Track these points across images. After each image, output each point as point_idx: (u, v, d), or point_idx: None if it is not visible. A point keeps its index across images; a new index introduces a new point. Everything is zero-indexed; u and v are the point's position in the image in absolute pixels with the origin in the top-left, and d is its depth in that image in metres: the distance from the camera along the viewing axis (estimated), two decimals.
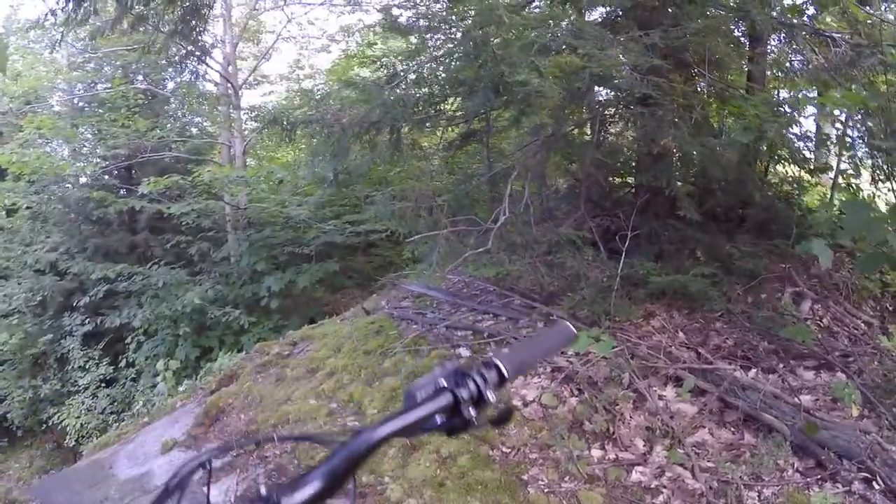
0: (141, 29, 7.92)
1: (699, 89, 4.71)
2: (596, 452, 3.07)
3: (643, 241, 4.52)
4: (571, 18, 4.41)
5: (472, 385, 0.72)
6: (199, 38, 9.26)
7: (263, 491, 0.58)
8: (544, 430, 3.21)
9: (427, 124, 5.16)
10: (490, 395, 0.72)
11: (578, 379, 3.50)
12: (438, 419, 0.71)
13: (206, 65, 10.18)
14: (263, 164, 9.89)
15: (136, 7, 7.61)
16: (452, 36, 4.56)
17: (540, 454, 3.08)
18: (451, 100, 5.00)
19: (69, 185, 10.27)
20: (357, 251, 9.07)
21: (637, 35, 3.76)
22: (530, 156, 4.77)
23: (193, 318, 8.18)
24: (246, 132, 10.15)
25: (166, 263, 8.60)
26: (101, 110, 10.56)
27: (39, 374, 9.94)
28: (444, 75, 4.76)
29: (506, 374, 0.76)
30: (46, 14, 6.29)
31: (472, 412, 0.71)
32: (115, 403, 9.01)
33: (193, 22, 7.66)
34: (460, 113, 5.11)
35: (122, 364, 8.80)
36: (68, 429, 9.07)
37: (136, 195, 8.62)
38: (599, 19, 4.96)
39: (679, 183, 4.59)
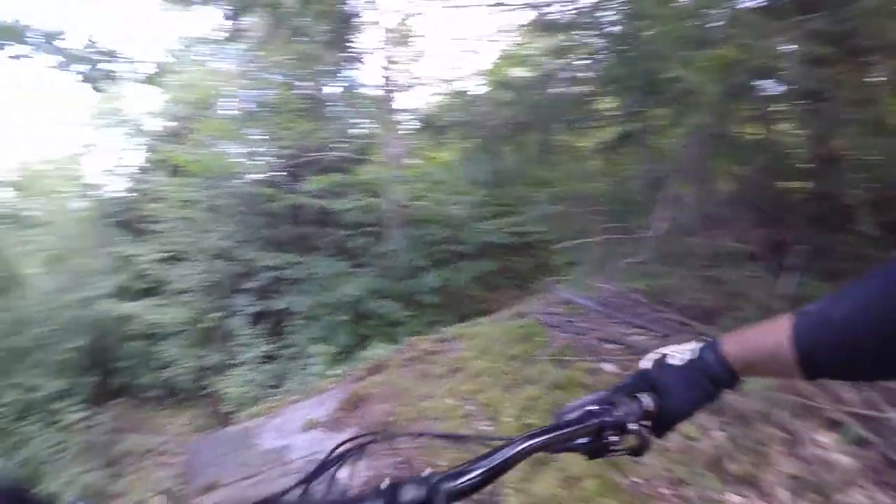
0: (297, 40, 8.64)
1: (875, 81, 4.03)
2: (733, 497, 2.76)
3: (813, 257, 3.98)
4: (725, 6, 4.14)
5: (618, 413, 0.76)
6: (352, 45, 9.88)
7: (426, 473, 0.65)
8: (681, 464, 2.93)
9: (579, 125, 4.97)
10: (632, 426, 0.76)
11: (727, 411, 3.14)
12: (581, 441, 0.76)
13: (364, 69, 10.80)
14: (423, 163, 10.30)
15: (290, 21, 8.26)
16: (602, 31, 4.31)
17: (671, 489, 2.85)
18: (605, 99, 4.82)
19: (240, 182, 11.28)
20: (515, 251, 9.19)
21: (799, 20, 3.29)
22: (690, 158, 4.37)
23: (352, 308, 8.63)
24: (404, 133, 10.64)
25: (329, 255, 9.16)
26: (268, 114, 11.55)
27: (207, 346, 10.98)
28: (594, 74, 4.58)
29: (651, 407, 0.78)
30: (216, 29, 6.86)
31: (614, 439, 0.76)
32: (272, 379, 9.74)
33: (345, 31, 8.20)
34: (615, 113, 4.87)
35: (283, 344, 9.48)
36: (226, 397, 9.89)
37: (300, 192, 9.28)
38: (756, 5, 4.56)
39: (856, 190, 4.12)
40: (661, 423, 0.78)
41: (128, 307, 12.43)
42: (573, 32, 4.55)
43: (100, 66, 2.43)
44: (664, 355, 0.83)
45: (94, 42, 2.44)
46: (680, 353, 0.82)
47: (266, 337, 9.95)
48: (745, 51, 3.17)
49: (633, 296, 4.91)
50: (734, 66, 3.28)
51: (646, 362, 0.84)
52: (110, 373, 15.28)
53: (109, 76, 2.59)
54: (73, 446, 4.80)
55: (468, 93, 7.39)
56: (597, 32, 4.41)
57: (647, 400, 0.77)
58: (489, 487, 0.68)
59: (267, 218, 10.69)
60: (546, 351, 4.27)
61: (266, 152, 10.99)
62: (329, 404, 4.93)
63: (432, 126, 5.26)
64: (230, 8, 7.13)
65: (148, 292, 12.55)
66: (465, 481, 0.66)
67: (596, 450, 0.76)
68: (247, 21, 10.17)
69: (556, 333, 4.68)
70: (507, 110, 4.51)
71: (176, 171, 11.98)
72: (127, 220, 14.63)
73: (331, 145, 10.46)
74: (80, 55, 2.38)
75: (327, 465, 0.72)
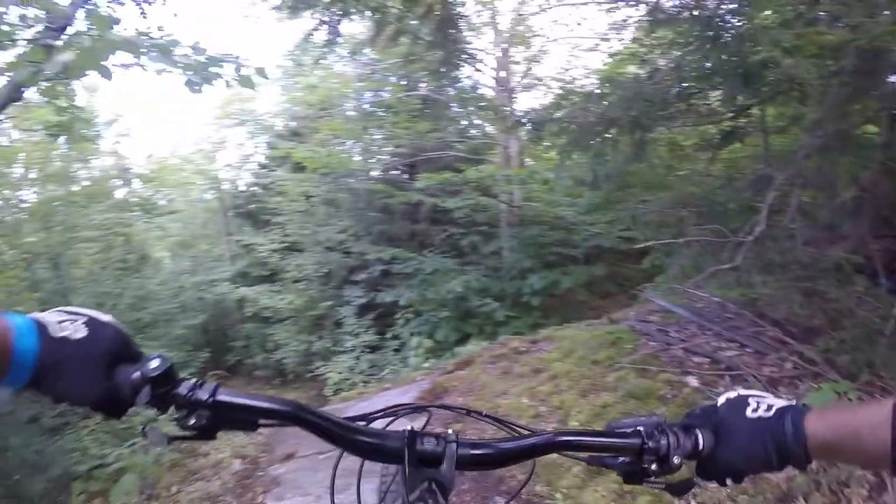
0: (403, 41, 8.87)
1: None
2: None
3: None
4: None
5: (663, 442, 0.70)
6: (458, 45, 10.01)
7: (450, 431, 0.68)
8: (747, 496, 2.66)
9: (682, 122, 4.64)
10: (675, 460, 0.70)
11: None
12: (620, 459, 0.73)
13: (478, 69, 11.00)
14: (536, 164, 10.37)
15: (393, 23, 8.47)
16: (703, 18, 3.89)
17: None
18: (709, 94, 4.44)
19: (358, 179, 11.85)
20: (629, 257, 9.00)
21: None
22: (802, 159, 4.14)
23: (457, 305, 8.80)
24: (519, 133, 10.75)
25: (440, 252, 9.41)
26: (386, 115, 12.07)
27: (315, 333, 11.62)
28: (697, 66, 4.18)
29: (701, 446, 0.71)
30: (310, 33, 7.15)
31: (654, 467, 0.70)
32: (372, 368, 10.15)
33: (450, 30, 8.32)
34: (720, 109, 4.50)
35: (388, 336, 9.85)
36: (329, 381, 10.41)
37: (415, 189, 9.60)
38: None
39: None
40: (708, 467, 0.72)
41: (245, 291, 13.37)
42: (677, 25, 4.30)
43: (223, 70, 2.66)
44: (744, 399, 0.73)
45: (201, 49, 2.67)
46: (761, 402, 0.72)
47: (371, 328, 10.38)
48: (853, 31, 2.78)
49: (730, 307, 4.65)
50: (840, 49, 2.83)
51: (721, 399, 0.75)
52: (224, 350, 16.46)
53: (232, 79, 2.82)
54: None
55: (575, 91, 7.32)
56: (699, 22, 4.15)
57: (703, 439, 0.71)
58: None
59: (382, 214, 11.18)
60: (630, 358, 4.11)
61: (383, 151, 11.49)
62: (412, 393, 5.12)
63: (539, 124, 5.20)
64: (339, 13, 7.50)
65: (265, 279, 13.44)
66: (479, 452, 0.69)
67: (632, 473, 0.72)
68: (359, 25, 10.67)
69: (645, 341, 4.52)
70: (606, 107, 4.33)
71: (296, 167, 12.78)
72: (249, 211, 15.73)
73: (446, 145, 10.76)
74: (207, 61, 2.60)
75: (376, 415, 0.76)
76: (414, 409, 0.74)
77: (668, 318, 4.92)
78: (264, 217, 14.15)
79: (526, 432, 0.76)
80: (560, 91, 9.26)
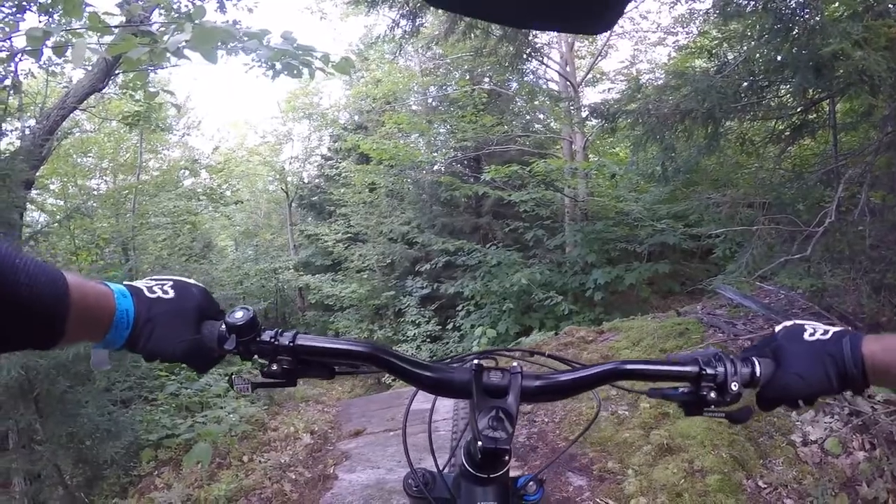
0: (473, 35, 8.91)
1: None
2: None
3: None
4: None
5: (721, 369, 0.69)
6: (526, 38, 10.00)
7: (515, 364, 0.74)
8: (812, 477, 2.69)
9: (751, 114, 4.54)
10: (734, 387, 0.69)
11: (876, 431, 2.80)
12: (679, 389, 0.72)
13: (544, 63, 10.99)
14: (602, 158, 10.32)
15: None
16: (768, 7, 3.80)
17: (794, 502, 2.63)
18: (781, 87, 4.33)
19: (423, 171, 12.09)
20: (693, 256, 8.87)
21: None
22: (872, 155, 3.88)
23: (519, 298, 8.87)
24: (586, 128, 10.71)
25: (503, 245, 9.50)
26: (451, 109, 12.22)
27: (377, 322, 11.94)
28: (764, 58, 4.12)
29: (759, 374, 0.70)
30: (392, 27, 7.26)
31: (713, 395, 0.69)
32: (434, 357, 10.35)
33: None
34: (791, 102, 4.40)
35: (449, 326, 10.01)
36: None
37: (481, 182, 9.70)
38: None
39: None
40: (767, 394, 0.71)
41: (308, 279, 13.82)
42: (747, 18, 4.20)
43: (296, 61, 2.78)
44: (800, 326, 0.73)
45: (293, 38, 2.77)
46: (818, 328, 0.72)
47: (433, 318, 10.59)
48: None
49: (797, 300, 4.63)
50: None
51: (778, 327, 0.75)
52: None
53: (302, 70, 2.94)
54: None
55: (644, 84, 7.20)
56: (770, 15, 4.13)
57: (761, 366, 0.71)
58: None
59: (446, 206, 11.37)
60: (698, 348, 4.15)
61: (449, 144, 11.65)
62: None
63: (613, 116, 5.18)
64: (417, 7, 7.64)
65: (328, 268, 13.88)
66: (541, 383, 0.73)
67: (692, 402, 0.71)
68: (426, 19, 10.82)
69: (713, 332, 4.55)
70: (680, 98, 4.23)
71: (361, 158, 13.11)
72: (313, 202, 16.23)
73: (511, 139, 10.83)
74: (282, 51, 2.71)
75: (448, 360, 0.81)
76: (481, 354, 0.78)
77: (736, 312, 4.94)
78: (328, 208, 14.59)
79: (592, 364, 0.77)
80: (631, 84, 9.17)
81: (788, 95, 4.32)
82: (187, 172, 14.39)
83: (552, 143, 12.15)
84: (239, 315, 0.66)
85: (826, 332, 0.71)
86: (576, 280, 8.72)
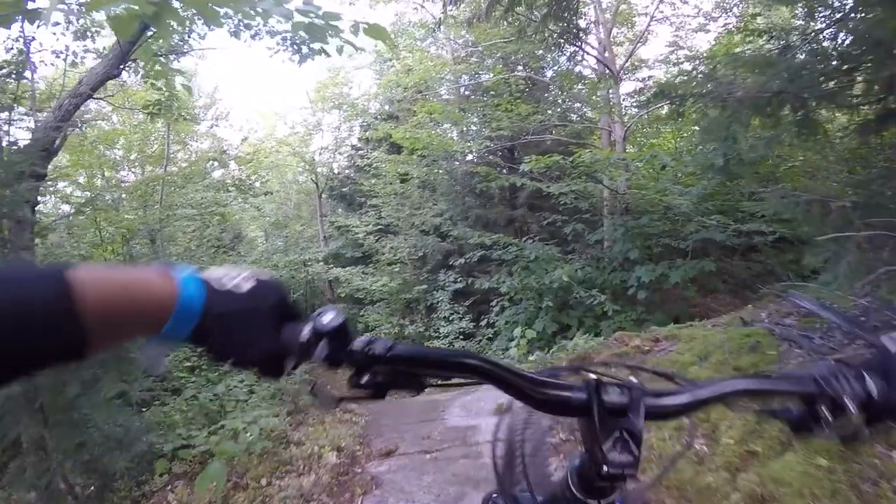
0: (513, 18, 8.54)
1: None
2: None
3: None
4: None
5: (838, 388, 0.65)
6: (573, 18, 9.61)
7: (634, 379, 0.65)
8: None
9: (837, 100, 4.09)
10: (850, 406, 0.64)
11: None
12: (790, 408, 0.69)
13: (582, 49, 10.54)
14: (644, 150, 9.85)
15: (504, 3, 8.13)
16: None
17: None
18: (862, 70, 3.87)
19: (456, 162, 11.78)
20: (735, 253, 8.39)
21: None
22: None
23: (557, 295, 8.51)
24: (626, 117, 10.27)
25: (540, 239, 9.15)
26: (485, 98, 11.88)
27: (408, 316, 11.69)
28: (850, 37, 3.79)
29: (875, 392, 0.65)
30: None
31: (828, 416, 0.65)
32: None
33: (564, 2, 7.89)
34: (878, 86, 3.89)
35: (483, 323, 9.71)
36: None
37: (517, 173, 9.34)
38: None
39: None
40: (877, 414, 0.66)
41: (338, 272, 13.68)
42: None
43: (320, 24, 2.42)
44: None
45: (316, 7, 2.42)
46: None
47: (466, 314, 10.31)
48: None
49: (886, 312, 4.13)
50: None
51: (889, 341, 0.70)
52: None
53: (329, 41, 2.61)
54: (262, 390, 5.12)
55: (702, 67, 6.73)
56: None
57: (875, 385, 0.66)
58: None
59: (480, 198, 11.04)
60: (778, 367, 3.71)
61: (482, 134, 11.30)
62: None
63: (665, 96, 4.79)
64: None
65: (358, 261, 13.69)
66: (665, 403, 0.66)
67: (804, 422, 0.68)
68: (461, 6, 10.50)
69: (790, 348, 3.98)
70: (753, 79, 3.93)
71: (392, 149, 12.87)
72: (343, 194, 16.07)
73: (547, 128, 10.45)
74: (304, 14, 2.36)
75: (557, 372, 0.72)
76: (578, 368, 0.74)
77: (810, 323, 4.37)
78: (359, 199, 14.39)
79: (694, 383, 0.71)
80: (689, 66, 8.71)
81: (871, 79, 3.85)
82: (216, 164, 14.34)
83: (589, 133, 11.73)
84: (329, 318, 0.59)
85: None
86: (616, 277, 8.33)
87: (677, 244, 8.02)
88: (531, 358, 6.61)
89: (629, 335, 5.60)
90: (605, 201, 9.22)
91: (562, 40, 9.84)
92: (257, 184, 17.00)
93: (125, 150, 13.45)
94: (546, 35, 8.96)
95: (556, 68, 12.15)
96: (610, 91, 10.30)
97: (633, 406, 0.63)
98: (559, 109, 11.80)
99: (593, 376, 0.66)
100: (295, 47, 5.70)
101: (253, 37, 5.70)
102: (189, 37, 6.15)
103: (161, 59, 5.38)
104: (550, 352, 6.69)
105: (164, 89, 6.23)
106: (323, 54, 3.60)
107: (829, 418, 0.65)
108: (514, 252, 8.97)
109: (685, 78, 4.98)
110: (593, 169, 8.32)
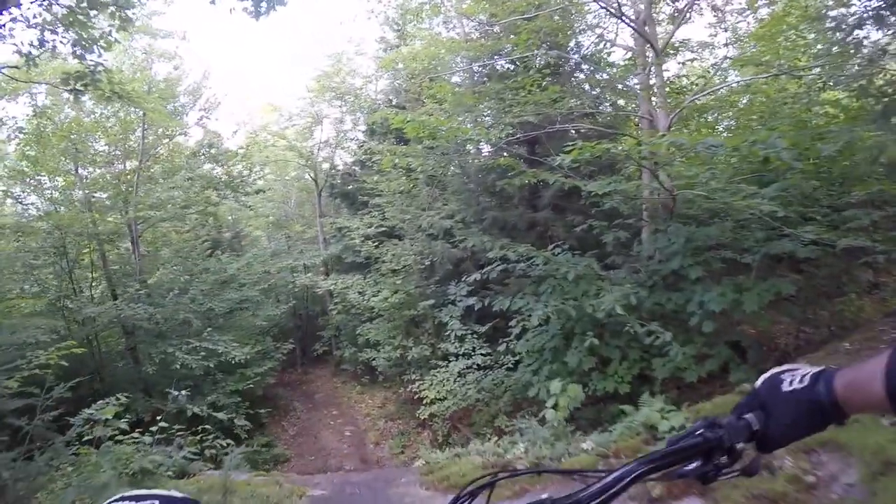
0: None
1: None
2: None
3: None
4: None
5: (724, 434, 0.78)
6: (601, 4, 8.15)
7: (545, 496, 0.74)
8: None
9: None
10: (739, 446, 0.78)
11: None
12: (693, 465, 0.78)
13: (621, 18, 8.83)
14: (695, 140, 8.06)
15: None
16: None
17: None
18: None
19: (469, 155, 10.10)
20: (823, 267, 6.44)
21: None
22: None
23: (594, 320, 6.71)
24: (671, 103, 8.55)
25: (570, 248, 7.44)
26: (502, 82, 10.18)
27: (411, 335, 10.09)
28: None
29: (756, 428, 0.79)
30: None
31: (724, 460, 0.78)
32: (482, 393, 8.36)
33: None
34: None
35: (500, 351, 7.87)
36: (424, 397, 8.82)
37: (546, 167, 7.65)
38: None
39: None
40: (765, 443, 0.80)
41: (331, 283, 12.21)
42: None
43: None
44: (777, 375, 0.83)
45: None
46: (795, 374, 0.81)
47: (481, 338, 8.64)
48: None
49: None
50: None
51: (759, 381, 0.84)
52: (312, 339, 15.59)
53: None
54: None
55: None
56: None
57: (753, 419, 0.80)
58: None
59: (498, 199, 9.32)
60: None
61: (499, 124, 9.54)
62: None
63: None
64: None
65: (360, 266, 12.12)
66: (575, 500, 0.72)
67: (707, 472, 0.78)
68: None
69: None
70: None
71: (399, 141, 11.27)
72: (347, 192, 14.52)
73: (578, 117, 8.76)
74: None
75: (461, 498, 0.77)
76: (489, 484, 0.78)
77: None
78: (362, 198, 12.86)
79: (602, 473, 0.76)
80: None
81: None
82: (203, 158, 12.84)
83: (625, 121, 10.05)
84: None
85: (803, 377, 0.80)
86: (670, 300, 6.57)
87: (741, 258, 6.34)
88: (584, 446, 4.23)
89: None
90: (649, 203, 7.46)
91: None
92: (259, 181, 15.58)
93: (108, 144, 11.97)
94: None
95: (587, 49, 10.44)
96: (651, 72, 8.61)
97: None
98: (588, 96, 10.00)
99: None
100: None
101: None
102: None
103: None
104: (613, 433, 4.41)
105: (85, 52, 4.76)
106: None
107: (727, 462, 0.78)
108: (538, 264, 7.30)
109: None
110: (652, 160, 6.61)
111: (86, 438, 4.40)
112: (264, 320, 12.09)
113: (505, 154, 9.06)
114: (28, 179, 10.50)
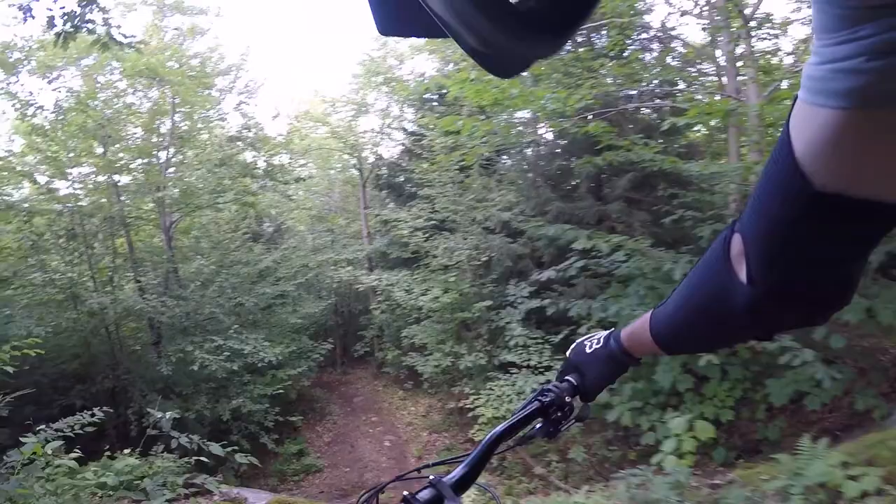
0: None
1: None
2: None
3: None
4: None
5: (555, 395, 0.90)
6: None
7: (431, 477, 0.77)
8: None
9: None
10: (568, 399, 0.90)
11: None
12: (537, 427, 0.90)
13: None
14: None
15: None
16: None
17: None
18: None
19: (527, 141, 9.04)
20: None
21: None
22: None
23: None
24: (768, 76, 7.29)
25: (653, 246, 6.30)
26: (559, 63, 9.05)
27: (463, 339, 9.11)
28: None
29: (577, 384, 0.93)
30: None
31: (559, 415, 0.89)
32: None
33: None
34: None
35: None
36: (479, 415, 7.80)
37: (616, 149, 6.55)
38: None
39: None
40: (587, 393, 0.93)
41: (376, 278, 11.37)
42: None
43: None
44: (581, 343, 0.96)
45: None
46: (593, 339, 0.94)
47: (545, 345, 7.54)
48: None
49: None
50: None
51: (569, 350, 0.97)
52: (353, 338, 14.81)
53: None
54: None
55: None
56: None
57: (574, 379, 0.93)
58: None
59: (560, 189, 8.22)
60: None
61: (561, 108, 8.43)
62: None
63: None
64: None
65: (407, 262, 11.18)
66: (458, 476, 0.80)
67: (550, 429, 0.89)
68: None
69: None
70: None
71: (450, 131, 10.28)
72: (394, 183, 13.64)
73: (644, 98, 7.60)
74: None
75: None
76: (380, 490, 0.83)
77: None
78: (409, 190, 11.93)
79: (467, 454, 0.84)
80: None
81: None
82: (241, 144, 12.14)
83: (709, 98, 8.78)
84: None
85: (599, 339, 0.93)
86: None
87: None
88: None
89: None
90: (733, 197, 6.24)
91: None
92: (301, 170, 14.93)
93: (144, 131, 11.44)
94: None
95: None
96: (739, 42, 7.37)
97: (443, 492, 0.75)
98: (659, 74, 8.70)
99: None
100: None
101: None
102: None
103: None
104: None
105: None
106: None
107: (563, 415, 0.90)
108: (630, 265, 6.16)
109: None
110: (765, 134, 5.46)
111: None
112: (302, 318, 11.32)
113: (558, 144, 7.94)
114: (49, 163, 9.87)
